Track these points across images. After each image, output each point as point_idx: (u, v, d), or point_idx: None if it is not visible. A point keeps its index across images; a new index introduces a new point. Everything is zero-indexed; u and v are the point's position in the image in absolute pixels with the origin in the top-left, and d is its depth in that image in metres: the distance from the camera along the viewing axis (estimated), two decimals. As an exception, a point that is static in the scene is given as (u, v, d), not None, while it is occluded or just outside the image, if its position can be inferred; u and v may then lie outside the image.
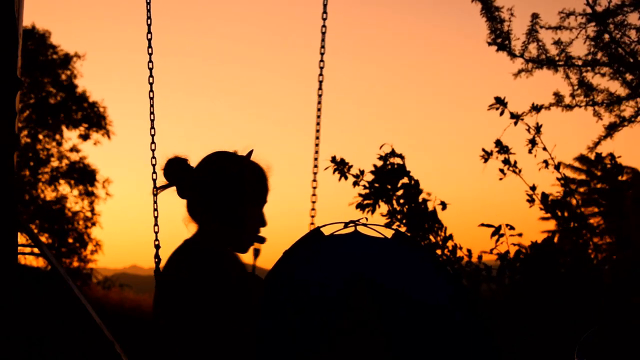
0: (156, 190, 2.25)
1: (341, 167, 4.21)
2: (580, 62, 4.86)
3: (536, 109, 4.49)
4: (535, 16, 4.80)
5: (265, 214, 1.84)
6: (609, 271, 2.58)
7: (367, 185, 4.14)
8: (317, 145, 3.23)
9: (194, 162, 1.82)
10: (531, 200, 4.20)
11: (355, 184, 4.19)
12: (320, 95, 3.05)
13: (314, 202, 2.90)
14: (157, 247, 2.36)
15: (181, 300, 1.60)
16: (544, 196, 4.17)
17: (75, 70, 15.60)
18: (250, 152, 1.82)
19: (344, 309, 1.76)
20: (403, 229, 4.06)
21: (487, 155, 4.29)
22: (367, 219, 1.91)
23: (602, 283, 2.66)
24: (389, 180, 4.08)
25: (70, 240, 15.02)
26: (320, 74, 2.93)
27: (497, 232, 3.92)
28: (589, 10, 4.69)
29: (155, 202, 2.37)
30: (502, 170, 4.26)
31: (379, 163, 4.15)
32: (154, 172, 2.38)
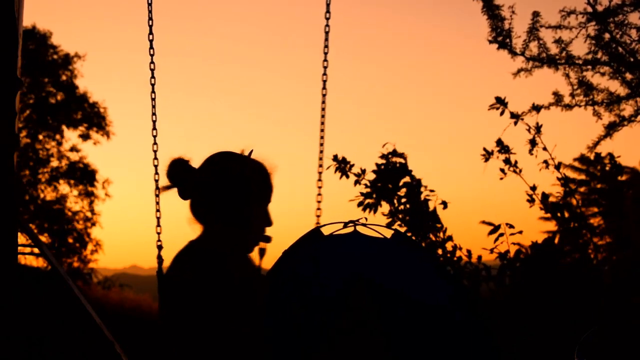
0: (158, 191, 2.25)
1: (342, 165, 4.21)
2: (580, 61, 4.87)
3: (536, 108, 4.49)
4: (536, 14, 4.80)
5: (271, 213, 1.83)
6: (609, 271, 2.58)
7: (368, 184, 4.14)
8: (321, 144, 3.22)
9: (195, 162, 1.82)
10: (531, 200, 4.20)
11: (357, 182, 4.19)
12: (324, 95, 3.04)
13: (319, 202, 2.89)
14: (160, 247, 2.35)
15: (185, 301, 1.60)
16: (544, 196, 4.17)
17: (76, 70, 15.62)
18: (251, 152, 1.82)
19: (343, 309, 1.76)
20: (403, 229, 4.05)
21: (488, 155, 4.29)
22: (366, 219, 1.91)
23: (602, 283, 2.66)
24: (391, 179, 4.07)
25: (70, 240, 15.02)
26: (324, 74, 2.93)
27: (495, 230, 3.92)
28: (589, 9, 4.70)
29: (157, 202, 2.37)
30: (502, 170, 4.26)
31: (381, 162, 4.15)
32: (157, 172, 2.37)
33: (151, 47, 2.58)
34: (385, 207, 4.13)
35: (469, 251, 4.04)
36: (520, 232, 3.95)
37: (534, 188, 4.19)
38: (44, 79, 15.45)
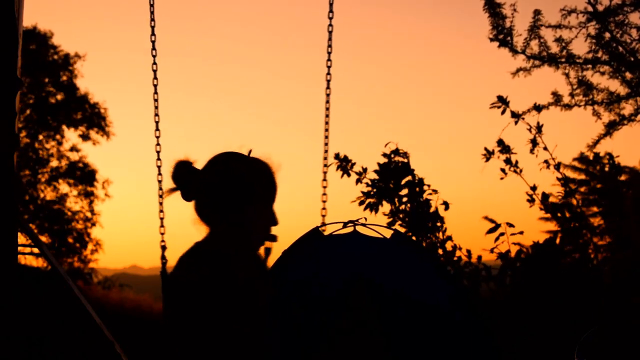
0: (161, 191, 2.25)
1: (344, 164, 4.21)
2: (581, 60, 4.87)
3: (537, 108, 4.49)
4: (537, 12, 4.81)
5: (276, 213, 1.83)
6: (609, 271, 2.58)
7: (369, 183, 4.13)
8: (326, 144, 3.22)
9: (198, 163, 1.81)
10: (531, 200, 4.19)
11: (358, 181, 4.18)
12: (328, 95, 3.04)
13: (324, 202, 2.89)
14: (164, 248, 2.36)
15: (189, 301, 1.60)
16: (544, 196, 4.17)
17: (76, 70, 15.63)
18: (250, 152, 1.82)
19: (343, 309, 1.76)
20: (403, 229, 4.05)
21: (489, 155, 4.29)
22: (366, 219, 1.91)
23: (602, 283, 2.66)
24: (393, 178, 4.06)
25: (70, 240, 15.03)
26: (328, 73, 2.93)
27: (494, 230, 3.92)
28: (590, 8, 4.70)
29: (160, 203, 2.37)
30: (503, 170, 4.25)
31: (382, 161, 4.14)
32: (160, 173, 2.38)
33: (153, 49, 2.57)
34: (386, 206, 4.13)
35: (468, 251, 4.03)
36: (521, 233, 3.95)
37: (534, 188, 4.19)
38: (44, 79, 15.46)
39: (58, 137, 15.53)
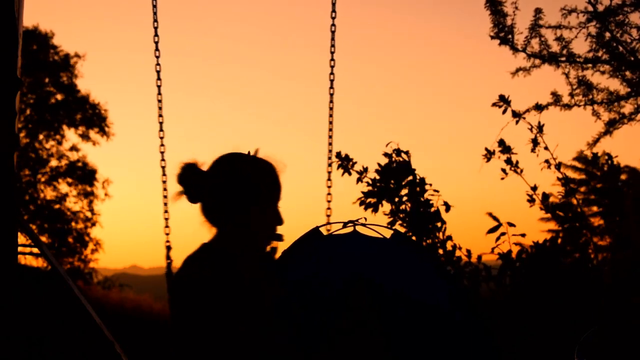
0: (166, 192, 2.24)
1: (345, 163, 4.20)
2: (581, 59, 4.87)
3: (539, 108, 4.48)
4: (538, 11, 4.81)
5: (282, 212, 1.83)
6: (609, 271, 2.57)
7: (370, 182, 4.13)
8: (330, 144, 3.21)
9: (203, 165, 1.81)
10: (531, 201, 4.19)
11: (359, 180, 4.18)
12: (332, 94, 3.03)
13: (329, 202, 2.89)
14: (169, 248, 2.36)
15: (195, 302, 1.61)
16: (545, 196, 4.16)
17: (76, 70, 15.62)
18: (257, 152, 1.82)
19: (343, 309, 1.76)
20: (403, 229, 4.04)
21: (489, 155, 4.28)
22: (365, 218, 1.91)
23: (602, 283, 2.66)
24: (394, 178, 4.06)
25: (71, 240, 15.03)
26: (331, 73, 2.92)
27: (494, 230, 3.91)
28: (590, 8, 4.70)
29: (165, 204, 2.37)
30: (504, 170, 4.25)
31: (383, 161, 4.14)
32: (164, 174, 2.37)
33: (157, 49, 2.56)
34: (386, 206, 4.12)
35: (468, 251, 4.03)
36: (523, 235, 3.94)
37: (534, 188, 4.18)
38: (45, 79, 15.46)
39: (58, 137, 15.54)
